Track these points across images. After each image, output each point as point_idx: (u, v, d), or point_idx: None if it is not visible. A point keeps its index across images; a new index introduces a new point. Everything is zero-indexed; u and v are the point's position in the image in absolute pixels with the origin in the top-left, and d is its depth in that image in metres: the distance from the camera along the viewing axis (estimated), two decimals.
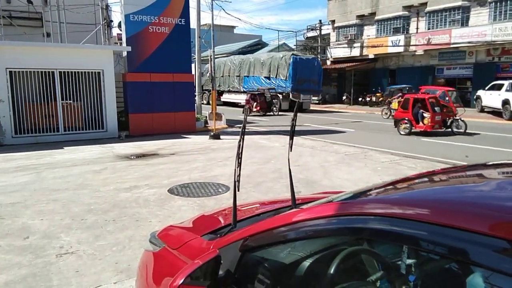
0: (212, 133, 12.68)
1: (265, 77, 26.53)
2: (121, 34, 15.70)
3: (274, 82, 25.75)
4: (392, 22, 27.84)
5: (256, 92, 23.66)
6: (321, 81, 26.89)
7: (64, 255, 3.99)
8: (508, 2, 21.66)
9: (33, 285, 3.40)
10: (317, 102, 32.15)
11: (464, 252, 0.93)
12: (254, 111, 22.17)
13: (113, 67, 13.19)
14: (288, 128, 2.07)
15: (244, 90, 27.51)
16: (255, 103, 22.41)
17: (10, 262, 3.83)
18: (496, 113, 19.39)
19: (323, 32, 33.55)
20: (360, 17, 30.07)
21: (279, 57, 26.14)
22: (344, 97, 30.58)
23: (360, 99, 28.61)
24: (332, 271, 1.31)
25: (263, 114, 22.25)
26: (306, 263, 1.45)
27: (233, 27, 59.12)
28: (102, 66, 12.68)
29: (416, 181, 1.61)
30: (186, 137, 13.08)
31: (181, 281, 1.45)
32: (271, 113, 22.59)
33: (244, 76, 28.22)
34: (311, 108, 26.46)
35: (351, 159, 9.06)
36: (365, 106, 27.37)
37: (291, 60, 24.71)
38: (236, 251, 1.58)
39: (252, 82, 27.46)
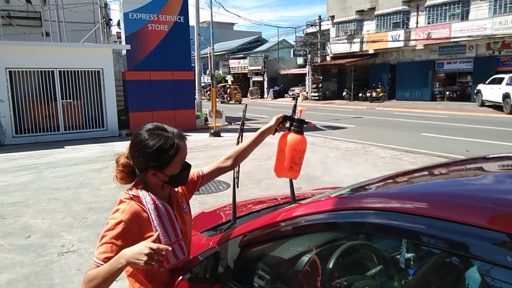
0: (212, 131, 12.67)
1: None
2: (120, 32, 15.68)
3: None
4: (392, 17, 27.72)
5: None
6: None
7: (65, 254, 4.01)
8: None
9: (35, 284, 3.42)
10: (317, 98, 32.12)
11: (463, 245, 0.92)
12: None
13: (113, 65, 13.18)
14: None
15: None
16: None
17: (12, 261, 3.84)
18: (496, 107, 19.32)
19: (322, 28, 33.41)
20: (360, 12, 29.93)
21: None
22: (344, 93, 30.45)
23: (360, 94, 28.50)
24: (331, 265, 1.31)
25: None
26: (305, 258, 1.45)
27: (233, 24, 59.09)
28: (101, 65, 12.67)
29: (415, 174, 1.60)
30: (187, 135, 12.88)
31: (181, 277, 1.45)
32: None
33: None
34: (309, 104, 26.50)
35: (351, 155, 9.06)
36: (366, 102, 27.28)
37: None
38: (235, 247, 1.58)
39: None
